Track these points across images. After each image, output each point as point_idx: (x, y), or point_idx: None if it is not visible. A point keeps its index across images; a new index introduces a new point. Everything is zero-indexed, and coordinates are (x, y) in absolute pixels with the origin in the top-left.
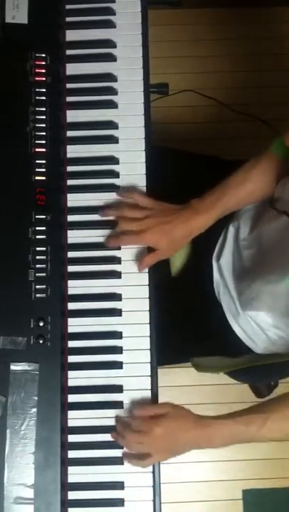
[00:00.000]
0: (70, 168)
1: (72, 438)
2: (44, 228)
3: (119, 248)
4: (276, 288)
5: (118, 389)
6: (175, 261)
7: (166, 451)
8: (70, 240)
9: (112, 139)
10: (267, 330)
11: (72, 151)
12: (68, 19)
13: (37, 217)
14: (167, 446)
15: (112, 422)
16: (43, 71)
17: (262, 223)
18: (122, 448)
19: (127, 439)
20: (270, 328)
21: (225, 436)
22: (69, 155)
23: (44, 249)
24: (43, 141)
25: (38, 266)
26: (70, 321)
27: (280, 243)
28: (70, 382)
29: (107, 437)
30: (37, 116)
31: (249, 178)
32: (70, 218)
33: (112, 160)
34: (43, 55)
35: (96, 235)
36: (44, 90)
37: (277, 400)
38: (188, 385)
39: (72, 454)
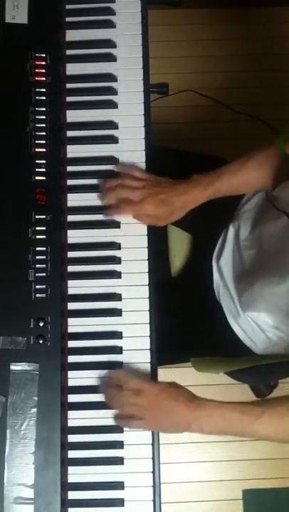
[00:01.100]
0: (70, 168)
1: (72, 438)
2: (44, 228)
3: (119, 248)
4: (276, 289)
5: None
6: (175, 261)
7: (155, 418)
8: (70, 240)
9: (112, 139)
10: (267, 331)
11: (72, 151)
12: (68, 19)
13: (37, 217)
14: (158, 414)
15: (112, 422)
16: (43, 71)
17: (262, 224)
18: (123, 448)
19: (121, 397)
20: (270, 329)
21: (217, 420)
22: (69, 155)
23: (44, 249)
24: (43, 141)
25: (38, 266)
26: (70, 321)
27: (279, 244)
28: (70, 382)
29: (107, 437)
30: (37, 116)
31: (246, 167)
32: (70, 218)
33: (112, 160)
34: (43, 55)
35: (96, 235)
36: (44, 90)
37: (278, 399)
38: (189, 385)
39: (72, 454)
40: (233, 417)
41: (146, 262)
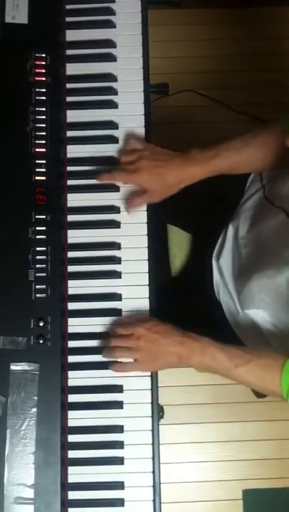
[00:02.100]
0: (70, 168)
1: (72, 438)
2: (44, 228)
3: (119, 248)
4: (273, 282)
5: (118, 389)
6: (175, 261)
7: (149, 356)
8: (70, 240)
9: (112, 139)
10: (265, 328)
11: (72, 151)
12: (68, 19)
13: (37, 217)
14: (151, 351)
15: (112, 422)
16: (43, 71)
17: (260, 222)
18: (123, 448)
19: (112, 343)
20: (268, 326)
21: (206, 357)
22: (69, 155)
23: (44, 249)
24: (43, 141)
25: (38, 266)
26: (70, 321)
27: (276, 238)
28: (70, 382)
29: (107, 437)
30: (37, 116)
31: (249, 145)
32: (70, 218)
33: (112, 160)
34: (43, 55)
35: (96, 235)
36: (44, 90)
37: (266, 350)
38: (189, 385)
39: (72, 454)
40: (221, 358)
41: (146, 262)
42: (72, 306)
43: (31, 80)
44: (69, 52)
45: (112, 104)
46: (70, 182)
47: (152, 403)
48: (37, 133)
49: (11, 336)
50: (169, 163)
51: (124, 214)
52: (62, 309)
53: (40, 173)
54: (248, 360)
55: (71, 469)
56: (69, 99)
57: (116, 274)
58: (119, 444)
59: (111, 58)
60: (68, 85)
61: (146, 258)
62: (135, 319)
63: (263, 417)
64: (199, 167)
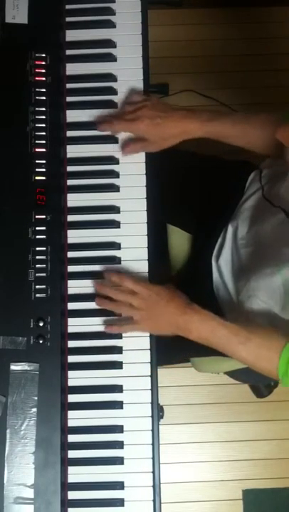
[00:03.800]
0: (70, 168)
1: (72, 438)
2: (44, 228)
3: (119, 248)
4: (272, 282)
5: (118, 389)
6: (175, 261)
7: (150, 319)
8: (70, 240)
9: (112, 139)
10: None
11: (72, 151)
12: (68, 19)
13: (37, 217)
14: (152, 313)
15: (112, 422)
16: (43, 71)
17: (259, 222)
18: (123, 448)
19: (118, 297)
20: (268, 326)
21: (206, 329)
22: (69, 155)
23: (44, 249)
24: (43, 141)
25: (38, 266)
26: (70, 321)
27: (275, 238)
28: (70, 382)
29: (107, 437)
30: (37, 116)
31: (249, 121)
32: (70, 218)
33: (112, 160)
34: (43, 55)
35: (96, 235)
36: (44, 90)
37: (267, 329)
38: (188, 385)
39: (72, 454)
40: (221, 332)
41: (146, 262)
42: (72, 306)
43: (31, 79)
44: (69, 52)
45: (112, 105)
46: (70, 182)
47: (152, 403)
48: (37, 133)
49: (11, 336)
50: (169, 116)
51: (125, 214)
52: (62, 309)
53: (40, 173)
54: (248, 337)
55: (71, 469)
56: (69, 99)
57: None
58: (119, 444)
59: (111, 58)
60: (68, 85)
61: (146, 258)
62: (138, 281)
63: (262, 417)
64: (198, 124)
